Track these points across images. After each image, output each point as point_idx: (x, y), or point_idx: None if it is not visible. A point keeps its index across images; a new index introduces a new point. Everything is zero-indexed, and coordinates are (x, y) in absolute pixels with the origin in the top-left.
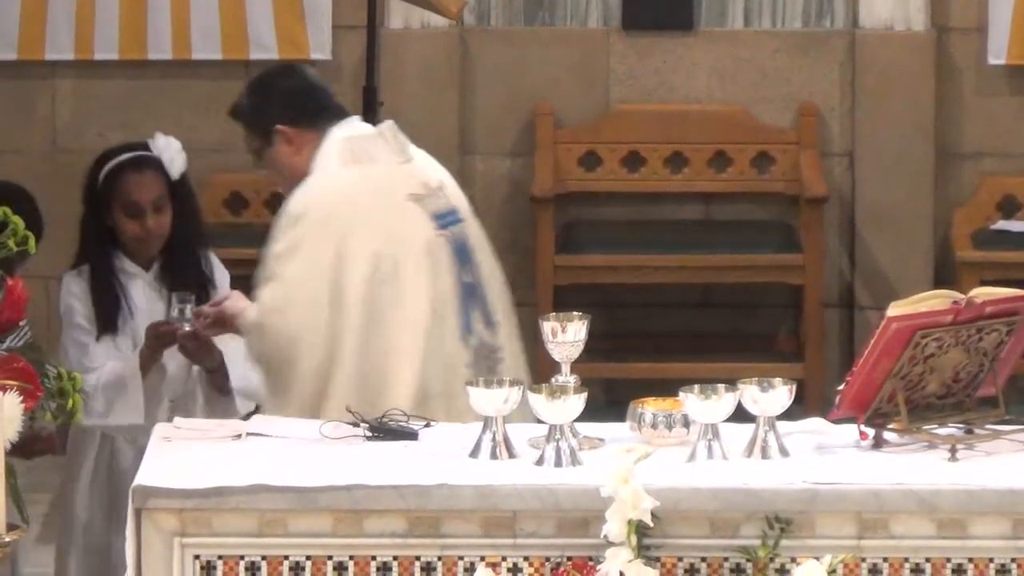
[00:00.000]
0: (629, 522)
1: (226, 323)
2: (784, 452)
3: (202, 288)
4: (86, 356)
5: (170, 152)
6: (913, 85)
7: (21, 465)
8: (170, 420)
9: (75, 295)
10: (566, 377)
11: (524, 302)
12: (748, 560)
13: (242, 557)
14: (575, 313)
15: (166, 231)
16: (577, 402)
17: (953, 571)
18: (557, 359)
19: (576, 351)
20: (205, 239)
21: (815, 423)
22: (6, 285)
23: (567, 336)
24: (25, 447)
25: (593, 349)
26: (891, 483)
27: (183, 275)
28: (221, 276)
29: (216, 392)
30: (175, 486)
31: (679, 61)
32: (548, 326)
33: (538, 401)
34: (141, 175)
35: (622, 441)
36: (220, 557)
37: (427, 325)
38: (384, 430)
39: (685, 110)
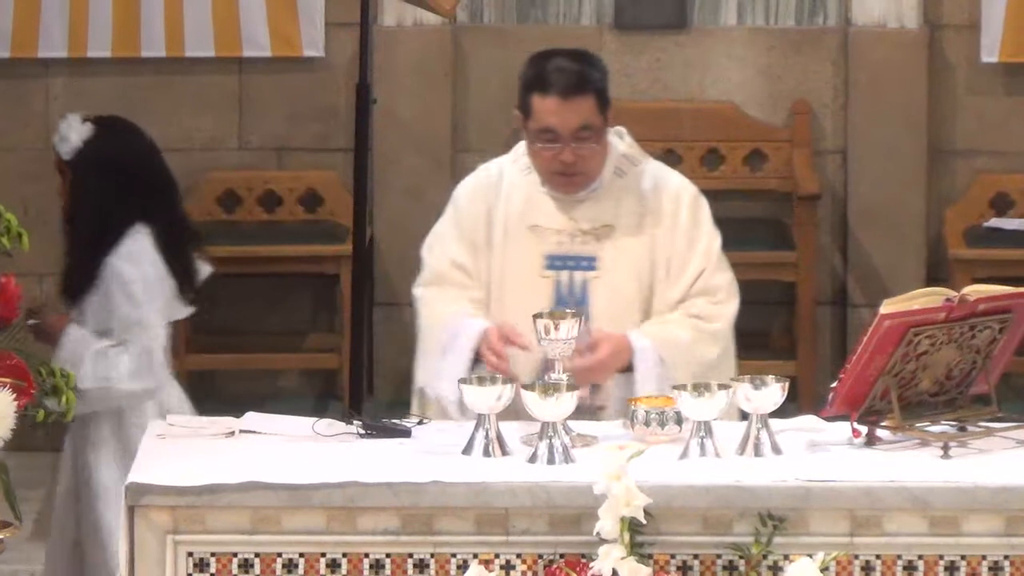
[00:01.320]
0: (622, 519)
1: None
2: (777, 449)
3: (77, 271)
4: None
5: (61, 130)
6: (906, 82)
7: (13, 461)
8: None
9: None
10: (559, 374)
11: None
12: (741, 557)
13: (235, 554)
14: (568, 311)
15: (64, 201)
16: (570, 399)
17: (946, 568)
18: (551, 357)
19: (569, 349)
20: (82, 228)
21: (808, 420)
22: None
23: (560, 334)
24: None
25: None
26: (884, 480)
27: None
28: (126, 272)
29: None
30: (168, 483)
31: (672, 59)
32: (541, 324)
33: (531, 399)
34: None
35: (615, 438)
36: (213, 554)
37: None
38: (377, 427)
39: (678, 108)
